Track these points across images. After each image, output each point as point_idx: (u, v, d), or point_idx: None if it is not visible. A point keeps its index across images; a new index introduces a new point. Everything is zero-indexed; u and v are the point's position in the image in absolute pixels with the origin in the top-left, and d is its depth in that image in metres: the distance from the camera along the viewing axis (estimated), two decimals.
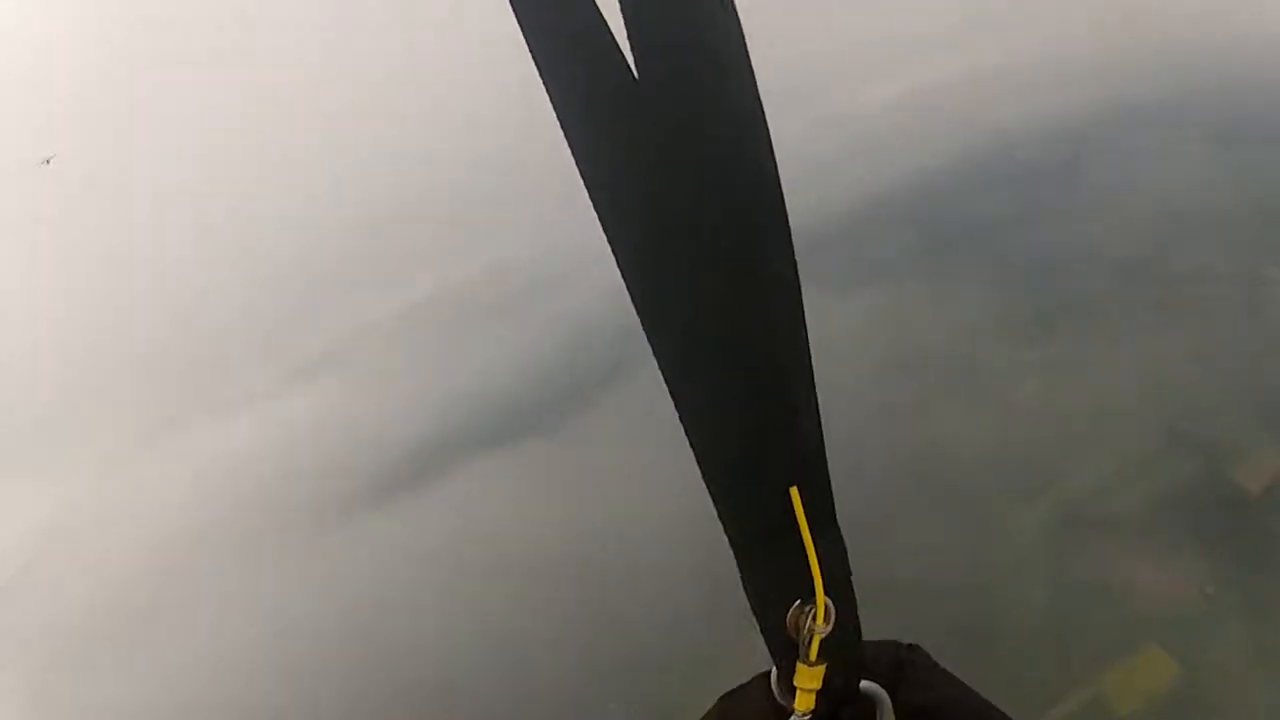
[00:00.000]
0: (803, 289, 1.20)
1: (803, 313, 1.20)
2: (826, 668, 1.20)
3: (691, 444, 1.22)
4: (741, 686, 1.36)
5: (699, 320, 1.20)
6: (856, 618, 1.24)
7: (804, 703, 1.21)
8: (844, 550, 1.22)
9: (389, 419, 9.65)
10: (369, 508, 8.83)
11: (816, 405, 1.20)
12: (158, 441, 9.85)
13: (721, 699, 1.37)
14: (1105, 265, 9.22)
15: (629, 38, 1.19)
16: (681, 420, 1.21)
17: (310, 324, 10.62)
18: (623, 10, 1.18)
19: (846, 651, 1.22)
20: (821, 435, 1.20)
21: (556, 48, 1.22)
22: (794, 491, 1.16)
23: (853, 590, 1.22)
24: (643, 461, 8.02)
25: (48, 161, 7.91)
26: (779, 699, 1.27)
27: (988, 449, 7.66)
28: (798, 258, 1.18)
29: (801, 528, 1.15)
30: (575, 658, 6.89)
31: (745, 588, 1.21)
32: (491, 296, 10.48)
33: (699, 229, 1.18)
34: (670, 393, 1.22)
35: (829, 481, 1.21)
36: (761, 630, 1.22)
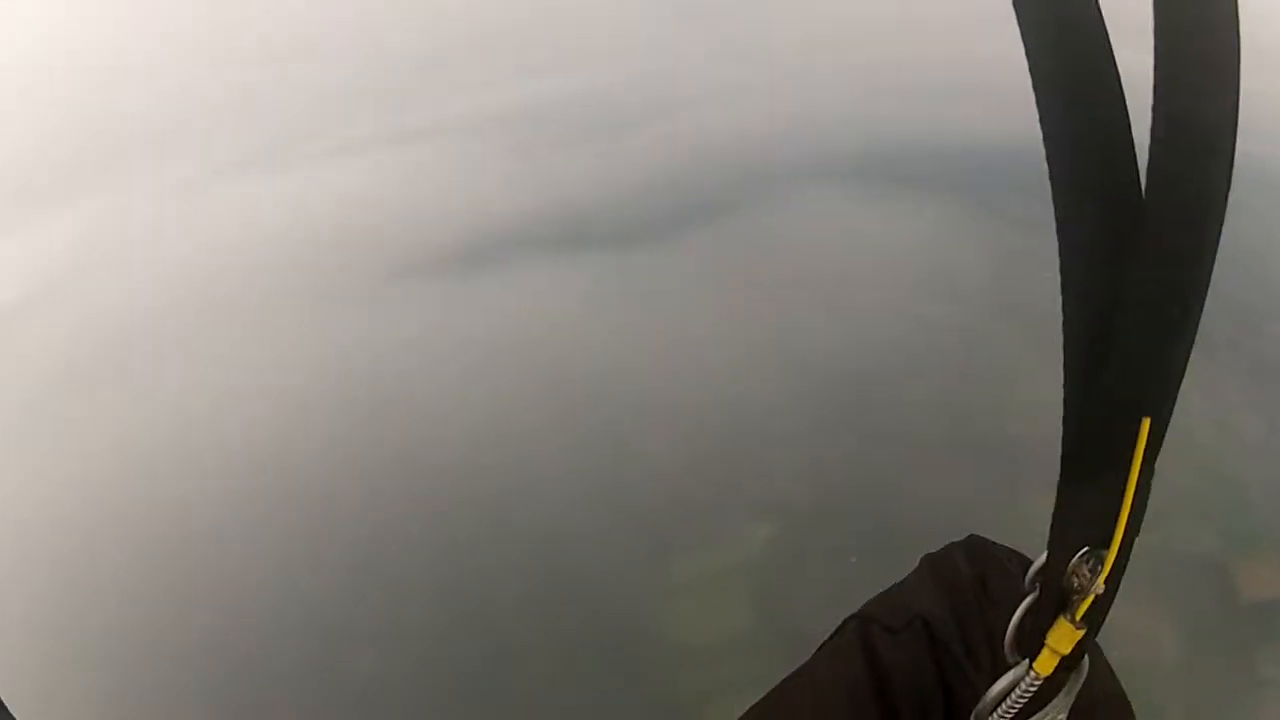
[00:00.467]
0: None
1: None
2: (1081, 638, 1.01)
3: (1065, 349, 1.00)
4: (993, 547, 1.24)
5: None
6: (1119, 588, 1.04)
7: (1046, 663, 1.02)
8: (1145, 510, 1.01)
9: (467, 202, 9.04)
10: (423, 278, 8.27)
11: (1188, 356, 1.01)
12: (234, 176, 9.34)
13: (862, 619, 1.23)
14: None
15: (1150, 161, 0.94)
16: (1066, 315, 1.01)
17: (421, 93, 10.06)
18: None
19: (1099, 621, 1.03)
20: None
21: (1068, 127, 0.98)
22: (1145, 423, 0.96)
23: (1129, 558, 1.03)
24: (708, 311, 7.69)
25: None
26: (1006, 644, 1.08)
27: None
28: None
29: (1134, 468, 0.96)
30: (586, 487, 6.37)
31: (1053, 515, 1.01)
32: (598, 111, 10.24)
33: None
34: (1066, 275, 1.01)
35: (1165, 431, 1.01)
36: (1043, 567, 1.01)
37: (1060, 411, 0.98)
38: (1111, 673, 1.18)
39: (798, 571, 5.45)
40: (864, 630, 1.25)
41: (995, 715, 1.09)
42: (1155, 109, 0.93)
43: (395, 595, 5.48)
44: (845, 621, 1.28)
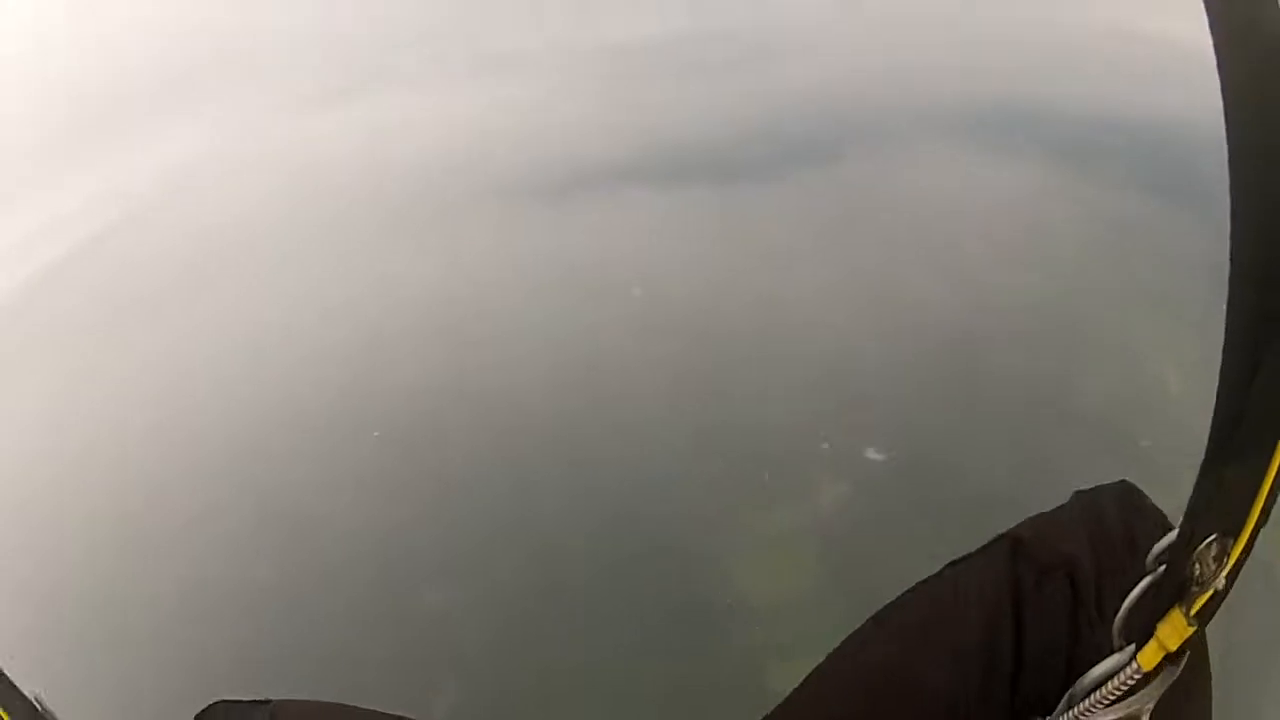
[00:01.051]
0: None
1: None
2: (1192, 634, 1.01)
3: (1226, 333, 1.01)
4: (1143, 499, 1.25)
5: None
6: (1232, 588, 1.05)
7: (1151, 657, 1.02)
8: (1276, 499, 1.01)
9: (564, 132, 9.04)
10: (516, 206, 8.13)
11: None
12: (324, 104, 9.24)
13: (1013, 540, 1.26)
14: None
15: None
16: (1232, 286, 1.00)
17: (518, 24, 10.31)
18: None
19: (1208, 620, 1.03)
20: None
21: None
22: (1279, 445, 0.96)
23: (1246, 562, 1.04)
24: (809, 259, 7.41)
25: None
26: (1115, 628, 1.09)
27: None
28: None
29: (1275, 457, 0.96)
30: (667, 435, 6.27)
31: (1192, 496, 1.02)
32: (704, 50, 10.08)
33: None
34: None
35: None
36: (1172, 547, 1.03)
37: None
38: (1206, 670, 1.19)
39: (873, 532, 5.41)
40: (1014, 560, 1.27)
41: (1088, 700, 1.10)
42: None
43: (466, 534, 5.52)
44: (998, 539, 1.30)
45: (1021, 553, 1.25)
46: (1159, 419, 5.73)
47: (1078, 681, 1.12)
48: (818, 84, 8.78)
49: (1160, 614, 1.01)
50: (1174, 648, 1.00)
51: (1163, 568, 1.04)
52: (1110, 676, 1.07)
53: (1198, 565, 0.97)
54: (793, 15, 9.33)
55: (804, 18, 9.51)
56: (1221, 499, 0.97)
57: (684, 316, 7.02)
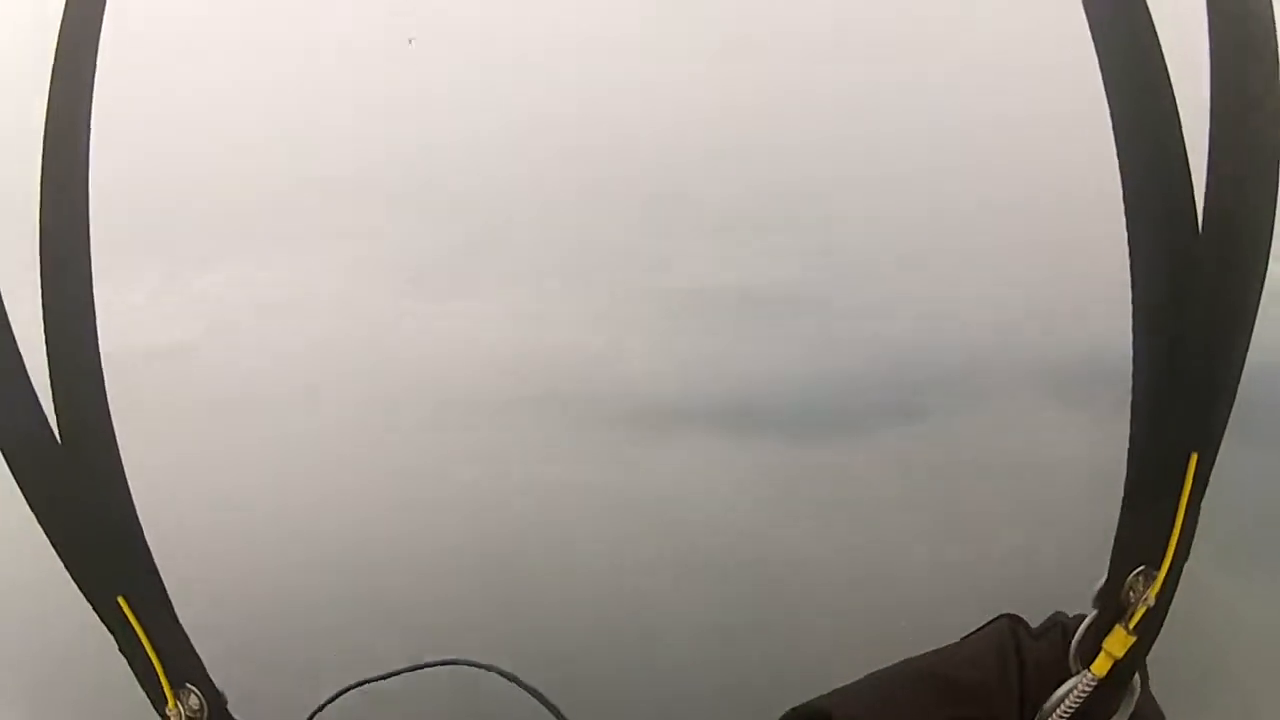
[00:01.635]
0: None
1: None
2: (1134, 643, 1.20)
3: (1133, 390, 1.22)
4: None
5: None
6: (1169, 606, 1.25)
7: (1101, 666, 1.21)
8: (1193, 535, 1.21)
9: (648, 369, 9.34)
10: (585, 433, 8.43)
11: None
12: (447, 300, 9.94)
13: (1012, 617, 1.42)
14: None
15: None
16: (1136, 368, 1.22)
17: (600, 261, 10.57)
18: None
19: (1150, 635, 1.22)
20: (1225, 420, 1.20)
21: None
22: (1193, 459, 1.15)
23: (1179, 579, 1.23)
24: (889, 513, 7.00)
25: (410, 42, 8.03)
26: (1070, 656, 1.28)
27: None
28: None
29: (1183, 499, 1.15)
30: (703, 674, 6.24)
31: (1115, 539, 1.23)
32: (791, 301, 10.22)
33: None
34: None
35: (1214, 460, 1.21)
36: (1104, 584, 1.23)
37: None
38: (1156, 706, 1.35)
39: None
40: (1013, 623, 1.44)
41: (1055, 715, 1.30)
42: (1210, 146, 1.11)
43: None
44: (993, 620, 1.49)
45: (1018, 622, 1.45)
46: None
47: (1045, 703, 1.32)
48: (893, 337, 8.85)
49: (1105, 632, 1.22)
50: (1120, 654, 1.20)
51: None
52: (1070, 692, 1.28)
53: (1130, 592, 1.19)
54: (859, 270, 9.45)
55: (871, 272, 9.67)
56: (1137, 541, 1.18)
57: (742, 562, 7.09)
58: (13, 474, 1.50)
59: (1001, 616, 1.48)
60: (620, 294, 10.67)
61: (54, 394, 1.50)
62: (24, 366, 1.51)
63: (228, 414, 8.55)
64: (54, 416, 1.51)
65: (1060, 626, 1.36)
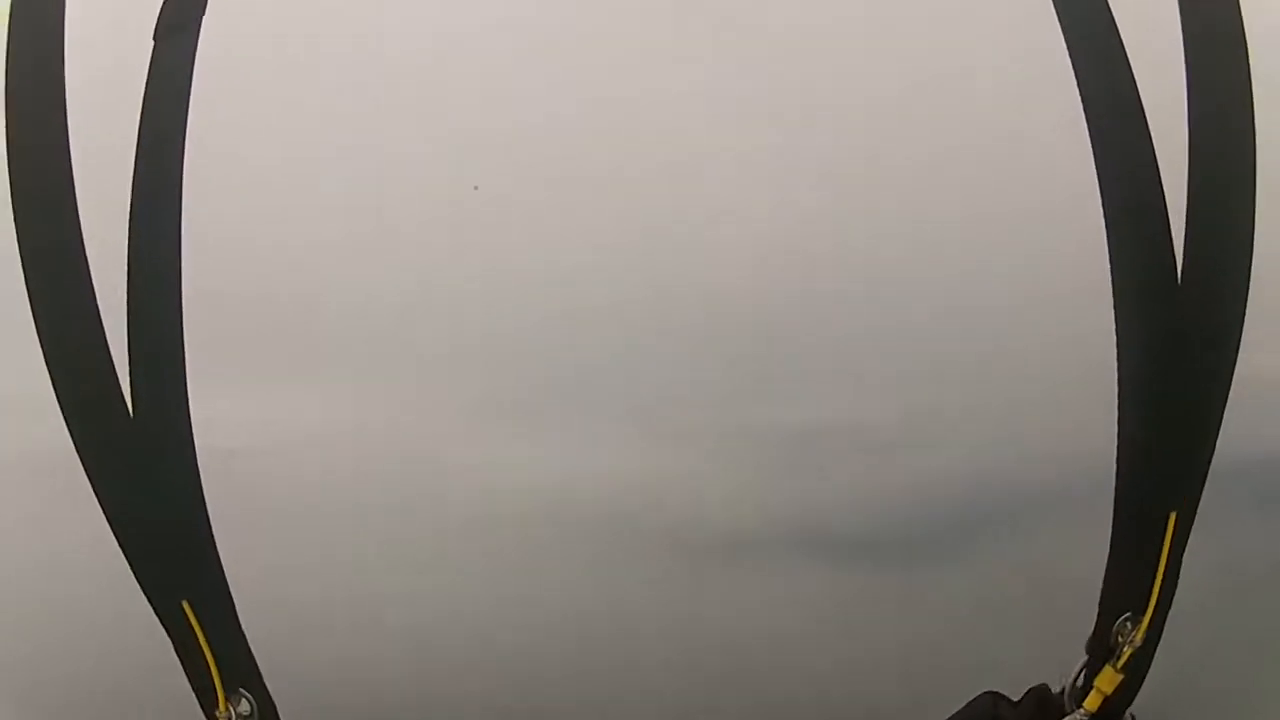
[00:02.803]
0: None
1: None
2: (1121, 680, 1.54)
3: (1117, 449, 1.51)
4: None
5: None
6: (1156, 646, 1.58)
7: (1093, 702, 1.60)
8: (1176, 583, 1.53)
9: (717, 502, 9.07)
10: (654, 563, 8.11)
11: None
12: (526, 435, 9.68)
13: (992, 693, 1.73)
14: None
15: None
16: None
17: (684, 403, 10.36)
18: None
19: (1139, 673, 1.59)
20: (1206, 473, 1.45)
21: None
22: (1172, 518, 1.49)
23: (1164, 625, 1.54)
24: (955, 637, 7.13)
25: (476, 188, 7.87)
26: (1065, 698, 1.62)
27: None
28: None
29: (1163, 555, 1.49)
30: None
31: (1101, 589, 1.56)
32: (856, 438, 9.94)
33: None
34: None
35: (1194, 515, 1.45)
36: (1093, 631, 1.57)
37: None
38: None
39: None
40: (994, 698, 1.72)
41: None
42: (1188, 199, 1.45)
43: None
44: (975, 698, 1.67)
45: (999, 698, 1.67)
46: None
47: None
48: (967, 469, 8.65)
49: (1096, 672, 1.54)
50: (1110, 691, 1.53)
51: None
52: None
53: (1119, 636, 1.53)
54: (932, 404, 9.27)
55: (945, 406, 9.46)
56: (1122, 592, 1.52)
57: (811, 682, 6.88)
58: (78, 452, 1.66)
59: (983, 694, 1.75)
60: (694, 432, 10.52)
61: (130, 362, 1.69)
62: (101, 330, 1.67)
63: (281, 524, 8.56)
64: (129, 388, 1.68)
65: (1037, 695, 1.67)
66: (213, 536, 1.66)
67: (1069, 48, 1.47)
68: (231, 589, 1.80)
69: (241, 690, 1.65)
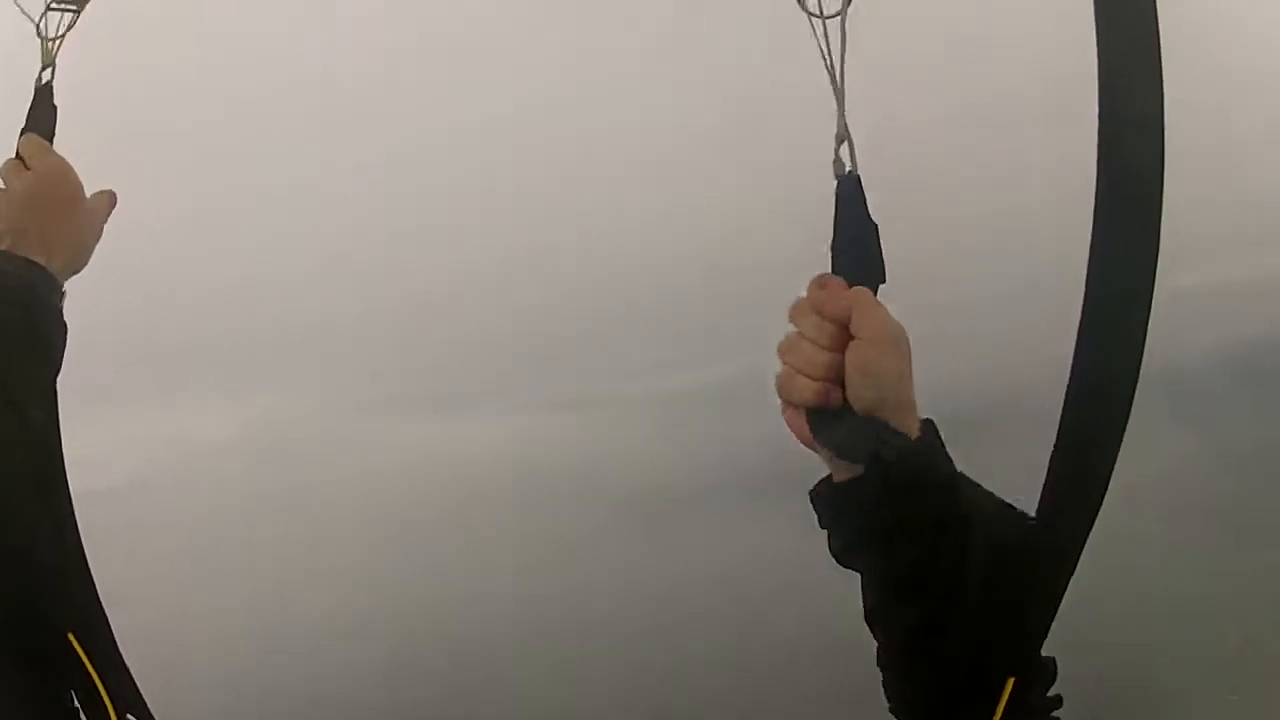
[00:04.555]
0: None
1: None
2: None
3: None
4: None
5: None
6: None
7: None
8: None
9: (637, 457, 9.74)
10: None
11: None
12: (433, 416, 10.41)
13: None
14: None
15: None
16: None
17: (607, 365, 11.03)
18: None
19: None
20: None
21: None
22: (1009, 683, 1.24)
23: None
24: None
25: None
26: None
27: None
28: None
29: (999, 710, 1.24)
30: None
31: None
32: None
33: None
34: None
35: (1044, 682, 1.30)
36: None
37: None
38: None
39: None
40: None
41: None
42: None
43: None
44: None
45: None
46: None
47: None
48: None
49: None
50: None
51: None
52: None
53: None
54: None
55: None
56: None
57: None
58: None
59: None
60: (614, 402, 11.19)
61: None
62: None
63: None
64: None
65: None
66: (90, 571, 1.53)
67: None
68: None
69: (129, 716, 1.46)
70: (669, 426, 9.81)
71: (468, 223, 10.41)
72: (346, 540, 8.86)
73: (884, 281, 1.42)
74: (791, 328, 1.36)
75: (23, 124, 1.89)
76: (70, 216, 1.76)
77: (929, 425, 1.35)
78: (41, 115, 1.90)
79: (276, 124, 9.03)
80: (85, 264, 1.80)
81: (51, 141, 1.88)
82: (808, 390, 1.36)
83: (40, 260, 1.67)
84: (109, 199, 1.86)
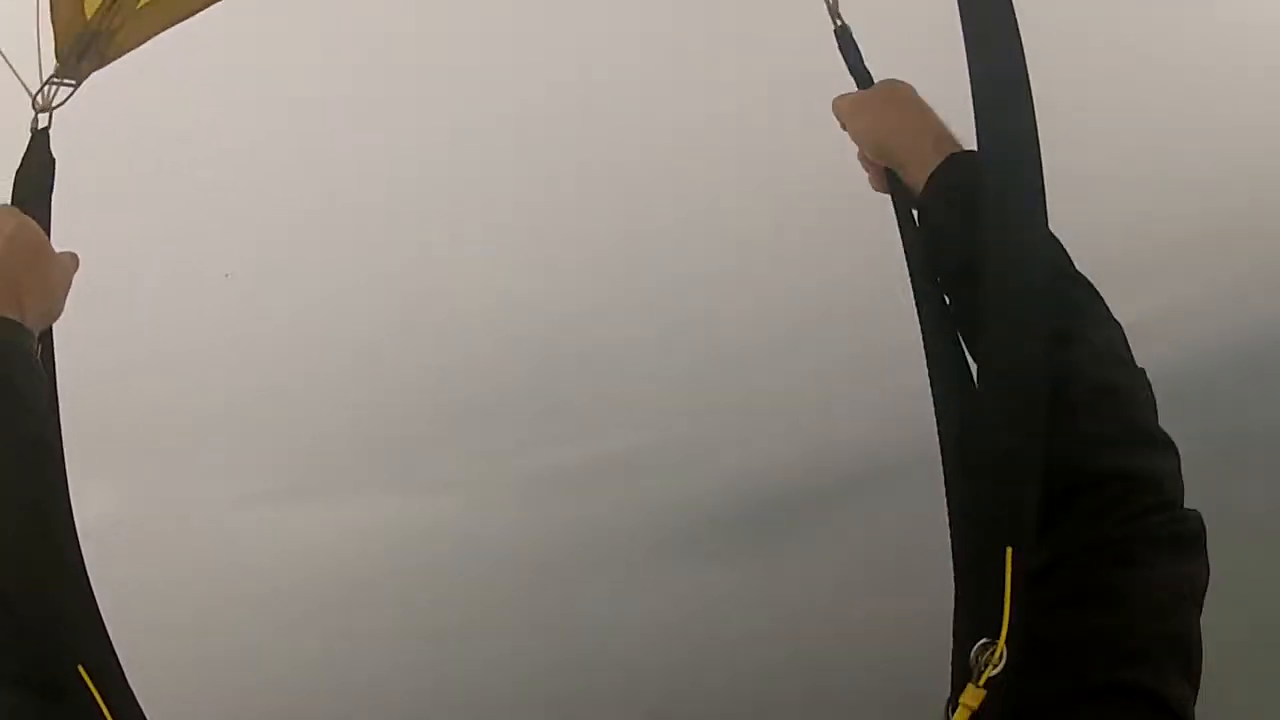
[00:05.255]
0: None
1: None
2: (985, 695, 1.30)
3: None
4: None
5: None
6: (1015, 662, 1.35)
7: (961, 716, 1.31)
8: (1026, 608, 1.32)
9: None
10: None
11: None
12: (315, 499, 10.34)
13: None
14: None
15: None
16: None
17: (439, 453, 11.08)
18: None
19: (999, 687, 1.32)
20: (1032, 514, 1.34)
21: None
22: (1009, 552, 1.29)
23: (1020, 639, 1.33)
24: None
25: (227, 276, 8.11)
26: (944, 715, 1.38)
27: None
28: None
29: (1007, 586, 1.28)
30: None
31: (953, 620, 1.36)
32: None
33: None
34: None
35: (1033, 545, 1.34)
36: (952, 656, 1.35)
37: None
38: None
39: None
40: None
41: None
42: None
43: None
44: None
45: None
46: None
47: None
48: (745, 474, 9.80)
49: (959, 692, 1.30)
50: (975, 705, 1.29)
51: None
52: None
53: (977, 657, 1.29)
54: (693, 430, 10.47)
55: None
56: (975, 615, 1.30)
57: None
58: None
59: None
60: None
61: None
62: None
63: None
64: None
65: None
66: (98, 608, 1.62)
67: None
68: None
69: None
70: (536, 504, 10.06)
71: (316, 315, 10.45)
72: (227, 628, 8.61)
73: (872, 83, 1.89)
74: None
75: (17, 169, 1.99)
76: (43, 272, 1.84)
77: (951, 165, 1.65)
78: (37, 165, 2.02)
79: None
80: (56, 319, 1.91)
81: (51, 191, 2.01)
82: (867, 172, 1.81)
83: (14, 316, 1.73)
84: (74, 259, 1.95)
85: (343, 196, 10.04)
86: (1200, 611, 1.37)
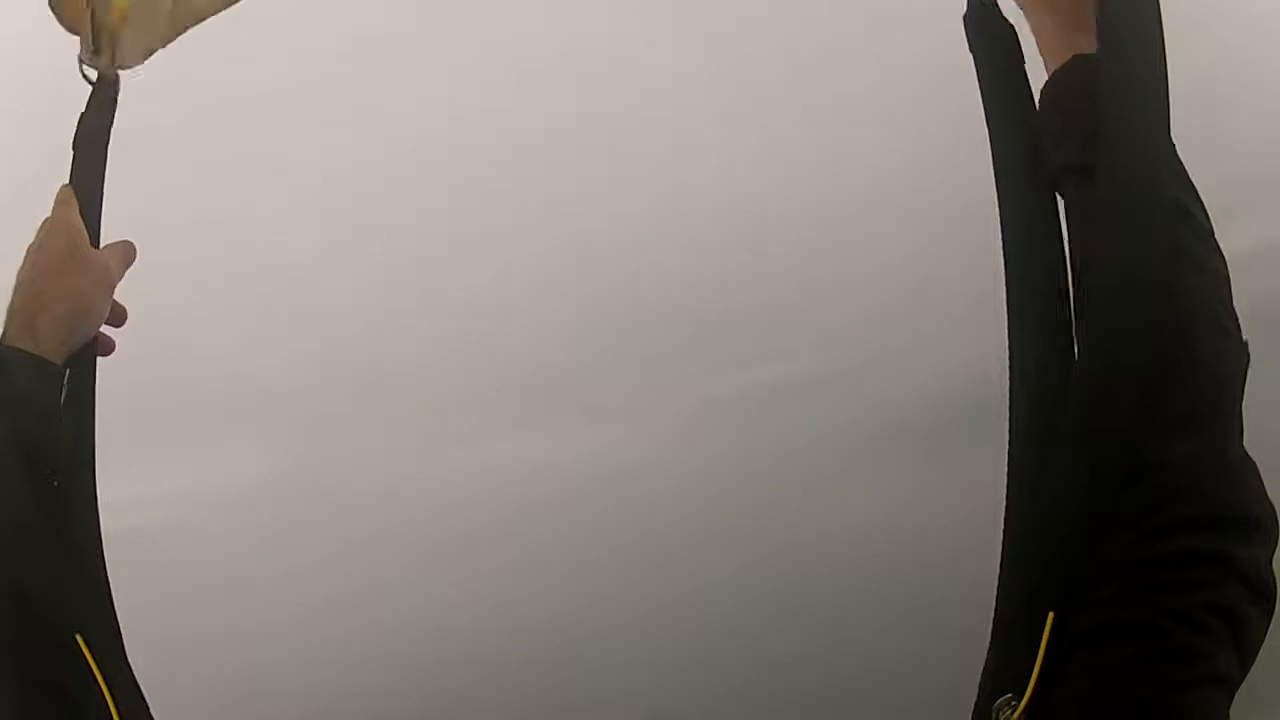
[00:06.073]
0: None
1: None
2: None
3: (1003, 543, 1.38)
4: None
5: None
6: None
7: None
8: (1058, 674, 1.26)
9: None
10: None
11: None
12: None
13: None
14: None
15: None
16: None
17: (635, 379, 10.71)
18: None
19: None
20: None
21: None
22: (1050, 617, 1.26)
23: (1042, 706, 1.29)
24: None
25: None
26: None
27: None
28: None
29: (1040, 650, 1.25)
30: None
31: (983, 670, 1.33)
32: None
33: None
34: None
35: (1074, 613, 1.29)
36: (975, 704, 1.32)
37: None
38: None
39: None
40: None
41: None
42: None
43: None
44: None
45: None
46: None
47: None
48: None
49: None
50: None
51: None
52: None
53: (998, 714, 1.25)
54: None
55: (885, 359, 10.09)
56: (1005, 669, 1.26)
57: None
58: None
59: None
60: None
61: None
62: None
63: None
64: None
65: None
66: (109, 583, 1.63)
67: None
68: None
69: None
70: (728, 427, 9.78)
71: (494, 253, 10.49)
72: (432, 573, 8.73)
73: None
74: None
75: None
76: (64, 281, 1.69)
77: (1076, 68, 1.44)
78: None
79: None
80: (95, 327, 1.73)
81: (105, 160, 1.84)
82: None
83: (27, 346, 1.60)
84: (124, 251, 1.81)
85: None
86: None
